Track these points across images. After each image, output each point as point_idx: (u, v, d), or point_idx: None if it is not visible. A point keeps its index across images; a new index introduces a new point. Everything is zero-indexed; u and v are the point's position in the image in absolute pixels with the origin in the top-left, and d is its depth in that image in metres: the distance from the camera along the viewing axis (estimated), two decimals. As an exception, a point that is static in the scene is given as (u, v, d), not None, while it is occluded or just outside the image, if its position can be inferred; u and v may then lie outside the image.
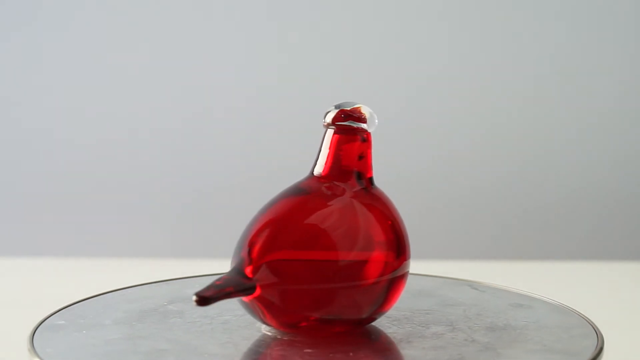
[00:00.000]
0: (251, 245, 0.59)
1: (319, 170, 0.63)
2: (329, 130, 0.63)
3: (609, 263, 1.31)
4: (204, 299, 0.55)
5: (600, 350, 0.60)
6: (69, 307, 0.68)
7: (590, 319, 0.67)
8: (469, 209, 1.36)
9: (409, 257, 0.62)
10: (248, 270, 0.58)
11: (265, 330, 0.63)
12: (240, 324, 0.64)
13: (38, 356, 0.58)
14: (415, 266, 0.69)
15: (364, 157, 0.63)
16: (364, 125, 0.62)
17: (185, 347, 0.60)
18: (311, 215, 0.60)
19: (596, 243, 1.35)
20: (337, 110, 0.63)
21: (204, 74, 1.35)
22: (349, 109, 0.63)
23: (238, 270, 0.58)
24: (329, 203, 0.61)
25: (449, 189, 1.36)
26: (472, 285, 0.73)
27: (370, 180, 0.63)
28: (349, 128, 0.62)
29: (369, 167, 0.63)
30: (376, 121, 0.63)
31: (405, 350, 0.59)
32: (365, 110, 0.63)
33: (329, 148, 0.63)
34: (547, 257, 1.34)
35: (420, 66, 1.35)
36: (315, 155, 0.63)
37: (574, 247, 1.35)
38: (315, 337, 0.61)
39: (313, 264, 0.59)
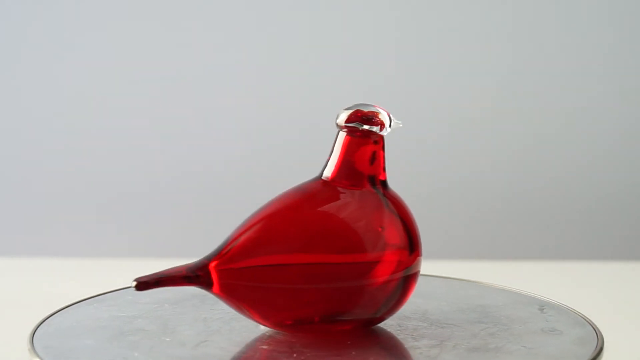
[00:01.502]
0: (231, 241, 0.60)
1: (327, 172, 0.62)
2: (341, 132, 0.63)
3: (609, 263, 1.31)
4: (142, 284, 0.57)
5: (600, 350, 0.60)
6: (112, 292, 0.71)
7: (590, 319, 0.66)
8: (469, 210, 1.36)
9: (419, 256, 0.62)
10: (212, 265, 0.59)
11: (264, 329, 0.63)
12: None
13: (38, 356, 0.58)
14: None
15: (376, 160, 0.62)
16: (374, 128, 0.62)
17: (162, 332, 0.63)
18: (303, 217, 0.60)
19: (596, 243, 1.36)
20: (348, 112, 0.62)
21: (211, 75, 1.35)
22: (365, 111, 0.62)
23: (202, 261, 0.60)
24: (324, 205, 0.61)
25: (450, 190, 1.36)
26: (541, 304, 0.71)
27: (384, 182, 0.63)
28: (360, 130, 0.62)
29: (381, 169, 0.62)
30: (389, 124, 0.62)
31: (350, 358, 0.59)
32: (380, 113, 0.62)
33: (340, 150, 0.62)
34: (547, 257, 1.34)
35: (425, 66, 1.35)
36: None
37: (574, 247, 1.35)
38: (309, 336, 0.61)
39: (301, 268, 0.59)
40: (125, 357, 0.59)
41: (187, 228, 1.35)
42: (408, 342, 0.62)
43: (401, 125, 0.63)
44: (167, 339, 0.62)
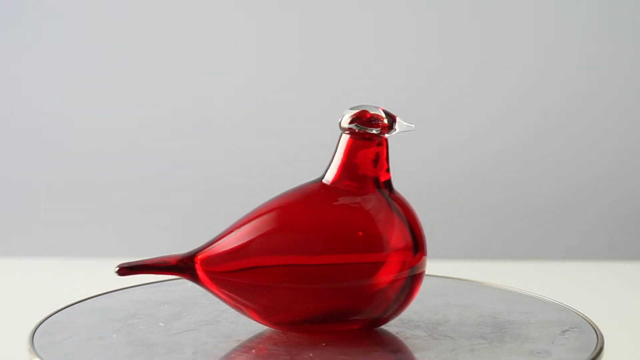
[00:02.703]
0: (221, 237, 0.61)
1: (329, 174, 0.62)
2: (343, 134, 0.62)
3: (609, 263, 1.31)
4: (123, 270, 0.61)
5: (600, 350, 0.60)
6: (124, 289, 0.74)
7: (590, 319, 0.66)
8: (468, 209, 1.36)
9: (424, 256, 0.62)
10: (199, 257, 0.61)
11: (266, 328, 0.63)
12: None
13: (38, 356, 0.58)
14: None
15: (379, 162, 0.62)
16: (373, 130, 0.61)
17: (167, 318, 0.65)
18: (300, 218, 0.60)
19: (596, 243, 1.36)
20: (350, 114, 0.62)
21: (210, 76, 1.35)
22: (363, 112, 0.62)
23: (189, 253, 0.61)
24: (321, 207, 0.61)
25: (448, 190, 1.36)
26: (570, 326, 0.66)
27: (388, 184, 0.62)
28: (358, 132, 0.62)
29: (384, 171, 0.62)
30: (392, 126, 0.61)
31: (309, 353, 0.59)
32: (381, 115, 0.62)
33: (342, 152, 0.62)
34: (547, 257, 1.35)
35: (423, 67, 1.35)
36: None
37: (574, 247, 1.35)
38: (303, 337, 0.61)
39: (294, 269, 0.60)
40: (103, 336, 0.61)
41: (188, 229, 1.35)
42: (379, 351, 0.61)
43: (413, 128, 0.63)
44: (162, 324, 0.64)
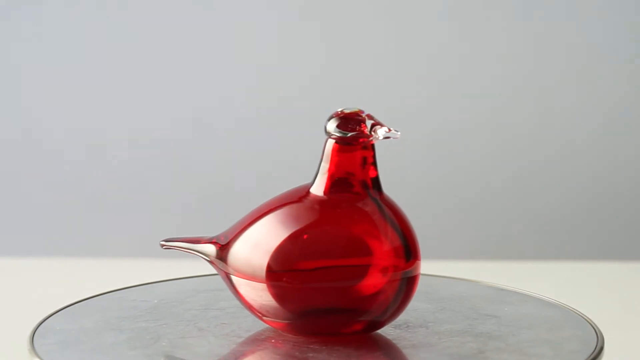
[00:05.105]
0: (230, 232, 0.62)
1: (318, 178, 0.62)
2: (329, 139, 0.62)
3: (609, 263, 1.31)
4: (165, 245, 0.65)
5: (600, 350, 0.60)
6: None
7: (590, 319, 0.66)
8: (470, 210, 1.36)
9: (417, 260, 0.61)
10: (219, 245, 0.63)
11: (270, 333, 0.63)
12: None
13: (38, 356, 0.58)
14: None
15: (366, 165, 0.62)
16: (350, 134, 0.61)
17: (161, 316, 0.66)
18: (296, 223, 0.60)
19: (596, 243, 1.36)
20: (331, 119, 0.62)
21: (209, 77, 1.35)
22: (349, 116, 0.61)
23: (211, 239, 0.64)
24: (314, 210, 0.61)
25: (451, 191, 1.36)
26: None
27: (377, 185, 0.62)
28: (343, 137, 0.61)
29: (373, 174, 0.62)
30: (371, 128, 0.61)
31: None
32: (364, 118, 0.61)
33: (329, 157, 0.62)
34: (547, 257, 1.35)
35: (425, 69, 1.35)
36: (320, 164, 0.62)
37: (574, 247, 1.35)
38: (308, 337, 0.62)
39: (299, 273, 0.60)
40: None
41: (187, 228, 1.35)
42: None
43: (398, 136, 0.61)
44: (164, 331, 0.64)
